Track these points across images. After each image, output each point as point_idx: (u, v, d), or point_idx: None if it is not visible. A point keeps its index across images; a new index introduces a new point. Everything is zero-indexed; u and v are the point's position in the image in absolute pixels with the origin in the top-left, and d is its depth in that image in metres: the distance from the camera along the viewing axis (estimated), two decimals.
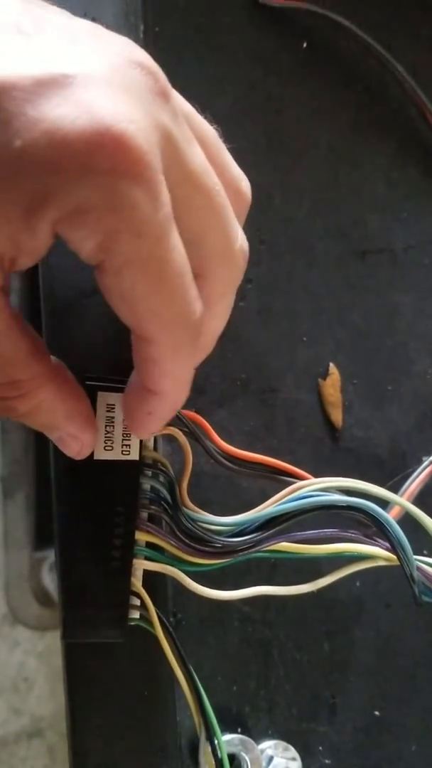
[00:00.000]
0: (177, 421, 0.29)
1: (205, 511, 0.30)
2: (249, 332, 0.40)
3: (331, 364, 0.41)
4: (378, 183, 0.43)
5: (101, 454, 0.26)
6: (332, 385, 0.41)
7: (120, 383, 0.27)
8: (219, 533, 0.30)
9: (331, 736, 0.40)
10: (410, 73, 0.43)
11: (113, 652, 0.32)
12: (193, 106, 0.40)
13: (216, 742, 0.31)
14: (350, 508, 0.32)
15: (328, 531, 0.33)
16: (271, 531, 0.30)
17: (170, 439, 0.31)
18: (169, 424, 0.29)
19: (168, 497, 0.28)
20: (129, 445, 0.26)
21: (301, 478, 0.33)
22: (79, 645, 0.31)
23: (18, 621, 1.07)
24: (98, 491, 0.25)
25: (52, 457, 0.26)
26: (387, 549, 0.34)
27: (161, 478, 0.28)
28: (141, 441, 0.27)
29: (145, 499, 0.27)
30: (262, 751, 0.38)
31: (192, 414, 0.30)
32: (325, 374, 0.41)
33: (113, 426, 0.26)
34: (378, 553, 0.34)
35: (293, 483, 0.32)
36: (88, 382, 0.27)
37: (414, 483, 0.40)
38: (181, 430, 0.29)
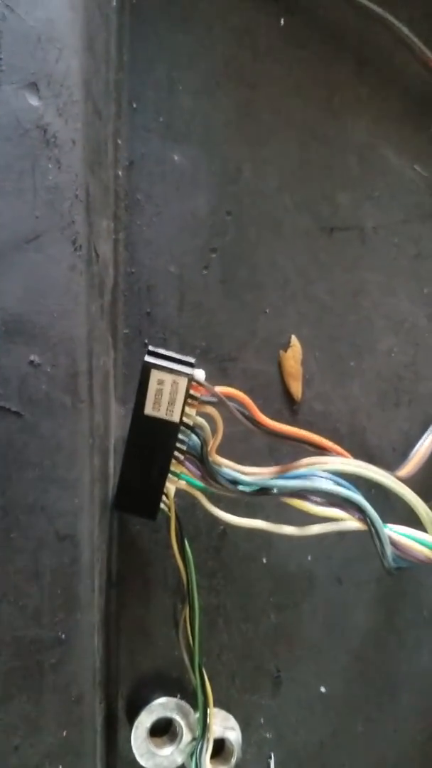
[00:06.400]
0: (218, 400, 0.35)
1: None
2: (211, 301, 0.41)
3: (293, 336, 0.41)
4: (350, 161, 0.44)
5: (149, 412, 0.33)
6: (293, 357, 0.41)
7: (173, 362, 0.33)
8: (235, 481, 0.36)
9: (273, 710, 0.40)
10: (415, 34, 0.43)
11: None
12: (166, 78, 0.41)
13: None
14: (350, 500, 0.36)
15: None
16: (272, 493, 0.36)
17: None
18: (209, 404, 0.34)
19: (199, 450, 0.35)
20: (173, 411, 0.33)
21: (334, 451, 0.37)
22: None
23: None
24: (148, 436, 0.34)
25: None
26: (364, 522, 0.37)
27: (198, 435, 0.35)
28: (183, 409, 0.33)
29: (183, 447, 0.35)
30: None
31: (233, 392, 0.35)
32: (286, 346, 0.41)
33: (161, 395, 0.33)
34: (363, 528, 0.37)
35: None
36: (147, 358, 0.33)
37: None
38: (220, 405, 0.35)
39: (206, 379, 0.35)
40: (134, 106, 0.40)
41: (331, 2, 0.43)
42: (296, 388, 0.41)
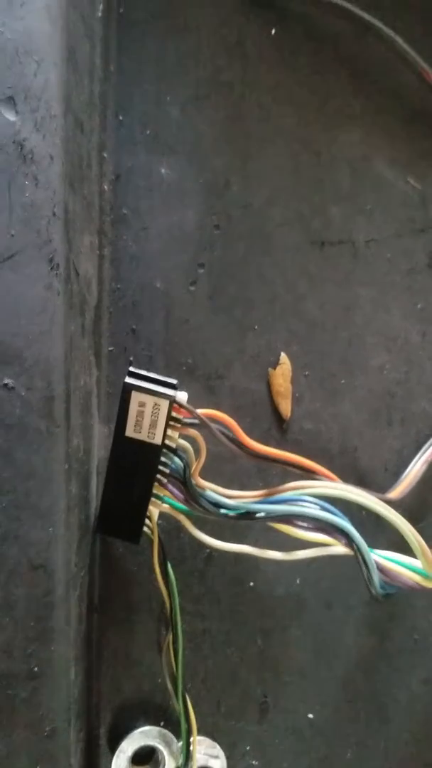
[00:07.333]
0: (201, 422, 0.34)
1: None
2: (198, 317, 0.40)
3: (283, 354, 0.41)
4: (342, 174, 0.43)
5: (130, 434, 0.33)
6: (282, 375, 0.40)
7: (155, 384, 0.32)
8: (219, 505, 0.35)
9: (260, 737, 0.39)
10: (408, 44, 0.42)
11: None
12: (153, 89, 0.40)
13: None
14: (335, 526, 0.35)
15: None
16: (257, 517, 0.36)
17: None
18: (192, 426, 0.34)
19: (182, 473, 0.34)
20: (154, 434, 0.33)
21: (321, 474, 0.36)
22: None
23: None
24: (129, 458, 0.33)
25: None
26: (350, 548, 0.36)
27: (181, 458, 0.34)
28: (165, 431, 0.33)
29: (166, 470, 0.34)
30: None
31: (218, 414, 0.34)
32: (275, 364, 0.41)
33: (142, 417, 0.33)
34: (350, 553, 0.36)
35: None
36: (128, 379, 0.32)
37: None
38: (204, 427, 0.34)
39: (192, 398, 0.34)
40: (120, 118, 0.39)
41: (324, 12, 0.42)
42: (285, 407, 0.40)
